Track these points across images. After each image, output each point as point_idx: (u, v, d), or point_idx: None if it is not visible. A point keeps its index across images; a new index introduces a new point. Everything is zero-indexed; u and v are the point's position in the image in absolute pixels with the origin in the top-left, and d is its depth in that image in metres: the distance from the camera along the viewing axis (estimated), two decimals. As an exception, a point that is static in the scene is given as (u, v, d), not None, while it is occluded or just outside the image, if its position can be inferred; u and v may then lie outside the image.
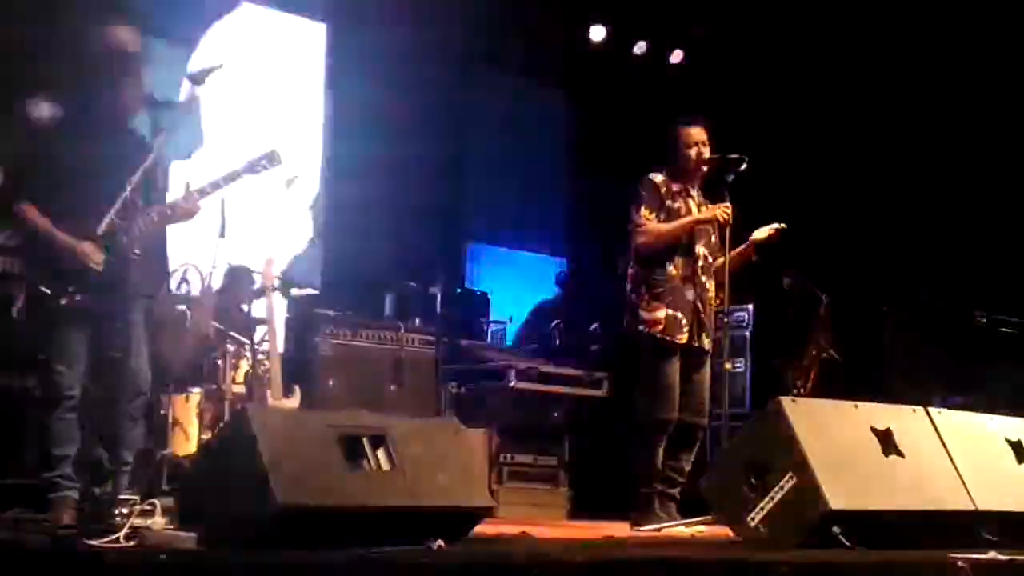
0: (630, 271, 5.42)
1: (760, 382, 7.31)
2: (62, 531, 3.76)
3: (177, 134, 4.43)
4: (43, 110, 4.35)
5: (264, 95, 7.93)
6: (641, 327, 5.30)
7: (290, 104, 8.14)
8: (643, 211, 5.34)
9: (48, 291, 4.20)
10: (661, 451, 5.30)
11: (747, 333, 7.35)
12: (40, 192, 4.29)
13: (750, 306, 7.35)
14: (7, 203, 4.36)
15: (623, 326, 5.46)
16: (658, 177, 5.39)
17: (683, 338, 5.28)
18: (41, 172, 4.33)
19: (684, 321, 5.29)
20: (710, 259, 5.44)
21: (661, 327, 5.27)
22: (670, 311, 5.28)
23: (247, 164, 4.49)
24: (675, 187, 5.41)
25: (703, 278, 5.39)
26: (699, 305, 5.35)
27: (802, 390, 6.96)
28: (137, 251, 4.17)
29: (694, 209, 5.43)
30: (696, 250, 5.39)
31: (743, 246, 5.48)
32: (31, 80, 5.79)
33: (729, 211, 5.30)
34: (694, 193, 5.48)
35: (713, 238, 5.47)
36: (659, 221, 5.34)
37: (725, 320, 5.53)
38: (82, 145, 4.33)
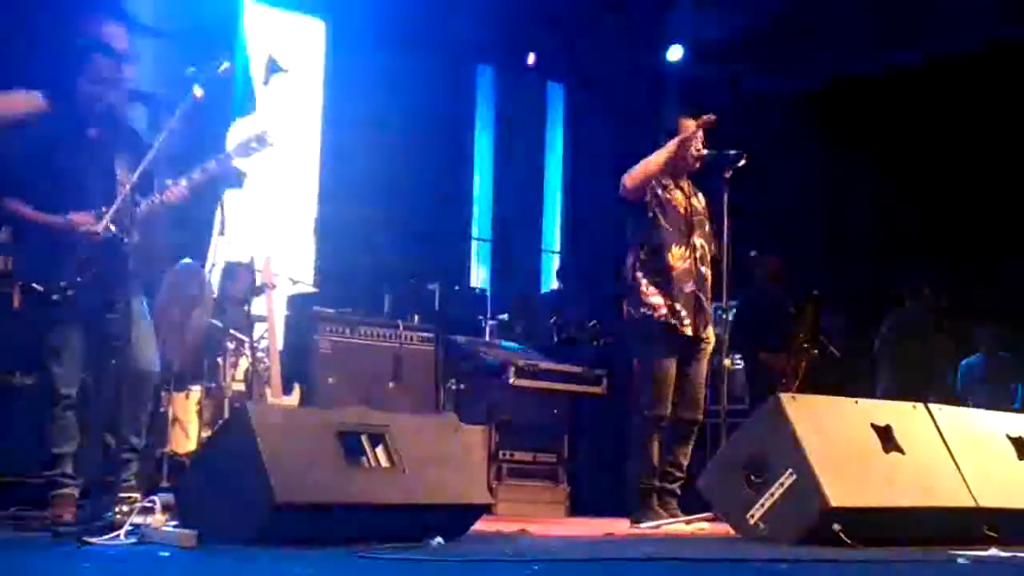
0: (630, 260, 5.40)
1: (757, 378, 7.29)
2: (63, 528, 3.76)
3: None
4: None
5: (262, 91, 7.92)
6: (644, 310, 5.26)
7: (289, 100, 8.13)
8: None
9: (41, 288, 4.20)
10: (657, 447, 5.29)
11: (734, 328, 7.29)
12: (30, 190, 4.29)
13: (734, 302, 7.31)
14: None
15: (623, 314, 5.43)
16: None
17: (687, 330, 5.27)
18: (30, 170, 4.32)
19: (684, 313, 5.28)
20: (707, 249, 5.43)
21: (667, 315, 5.25)
22: (669, 302, 5.27)
23: (237, 146, 4.49)
24: (664, 180, 5.38)
25: (702, 268, 5.38)
26: (700, 296, 5.34)
27: (789, 383, 6.93)
28: (129, 239, 4.18)
29: (687, 202, 5.41)
30: (694, 241, 5.38)
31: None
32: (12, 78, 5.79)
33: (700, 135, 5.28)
34: (684, 186, 5.47)
35: (707, 227, 5.46)
36: (652, 211, 5.33)
37: (723, 315, 5.51)
38: (71, 142, 4.32)
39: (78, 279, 4.21)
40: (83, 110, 4.38)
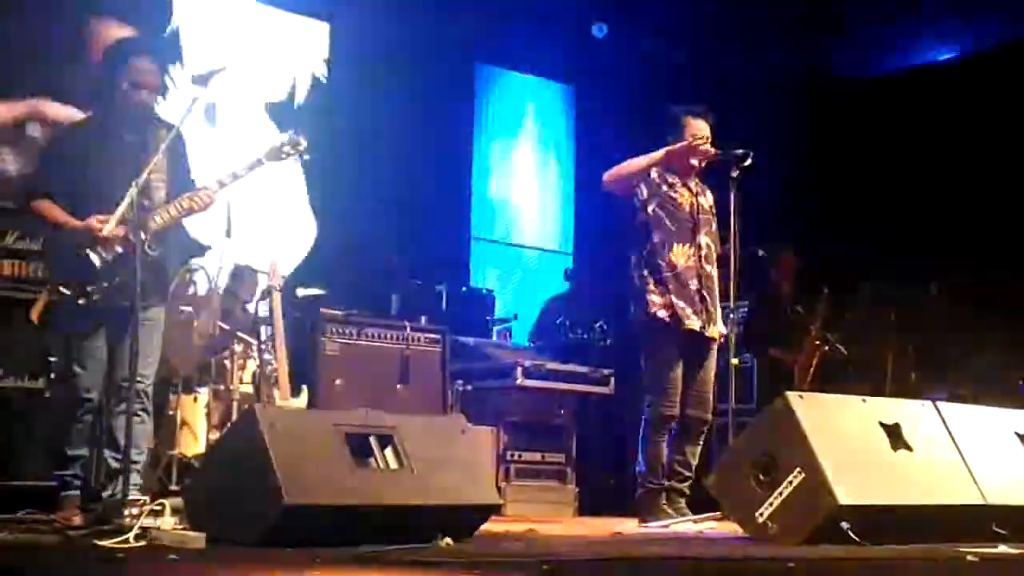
0: (634, 260, 5.40)
1: (765, 376, 7.28)
2: (73, 531, 3.77)
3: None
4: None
5: (266, 94, 7.93)
6: (649, 309, 5.26)
7: (292, 102, 8.14)
8: None
9: (68, 292, 4.22)
10: (664, 446, 5.29)
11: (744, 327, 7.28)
12: (65, 194, 4.30)
13: (746, 300, 7.29)
14: (27, 200, 4.40)
15: (629, 314, 5.42)
16: (651, 170, 5.39)
17: (693, 325, 5.26)
18: (66, 173, 4.34)
19: (689, 311, 5.27)
20: (714, 248, 5.44)
21: (669, 312, 5.26)
22: (673, 299, 5.27)
23: (269, 151, 4.49)
24: (670, 179, 5.40)
25: (707, 267, 5.38)
26: (704, 294, 5.33)
27: (803, 383, 6.92)
28: (153, 248, 4.20)
29: (694, 201, 5.41)
30: (699, 239, 5.38)
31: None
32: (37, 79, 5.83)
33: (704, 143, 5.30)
34: (691, 184, 5.47)
35: (714, 226, 5.47)
36: (655, 210, 5.33)
37: (731, 315, 5.50)
38: (107, 147, 4.32)
39: (104, 284, 4.22)
40: (120, 113, 4.38)
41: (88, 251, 4.20)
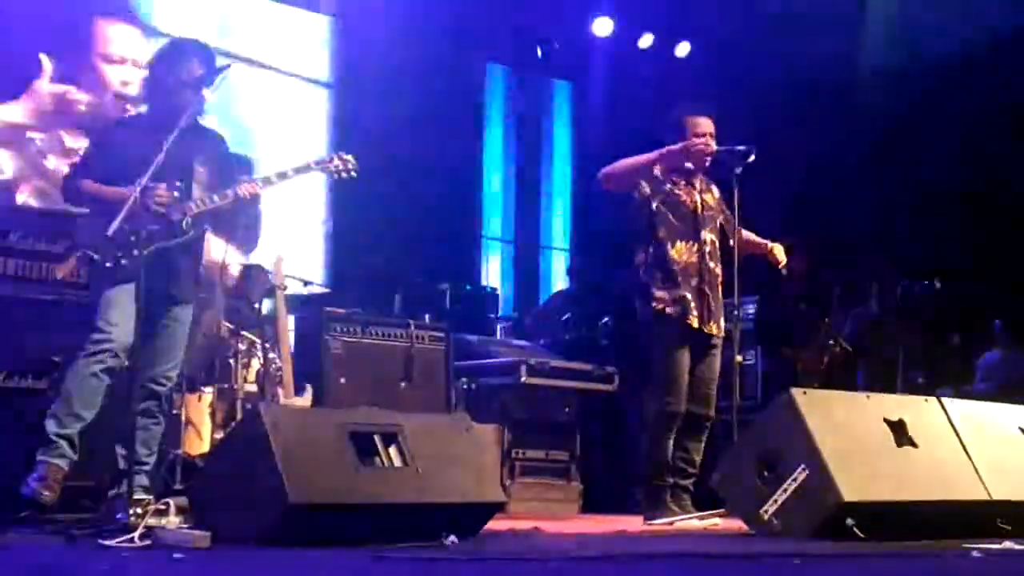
0: (638, 257, 5.40)
1: (770, 373, 7.28)
2: (77, 531, 3.77)
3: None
4: None
5: (270, 91, 7.94)
6: (653, 304, 5.27)
7: (296, 100, 8.15)
8: None
9: (96, 256, 4.23)
10: (670, 443, 5.29)
11: (752, 324, 7.29)
12: (105, 180, 4.33)
13: (755, 296, 7.29)
14: (72, 180, 4.45)
15: (635, 311, 5.42)
16: (654, 168, 5.39)
17: (693, 321, 5.27)
18: (109, 162, 4.36)
19: (693, 305, 5.27)
20: (717, 244, 5.43)
21: (678, 307, 5.26)
22: (676, 295, 5.27)
23: (320, 160, 4.56)
24: (674, 176, 5.39)
25: (711, 264, 5.38)
26: (706, 291, 5.32)
27: (813, 382, 6.93)
28: (189, 225, 4.21)
29: (697, 199, 5.41)
30: (702, 236, 5.37)
31: (761, 243, 5.52)
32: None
33: (705, 147, 5.30)
34: (696, 182, 5.47)
35: (721, 220, 5.47)
36: (657, 204, 5.33)
37: (735, 312, 5.50)
38: (149, 140, 4.32)
39: (133, 252, 4.22)
40: (167, 112, 4.38)
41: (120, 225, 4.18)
